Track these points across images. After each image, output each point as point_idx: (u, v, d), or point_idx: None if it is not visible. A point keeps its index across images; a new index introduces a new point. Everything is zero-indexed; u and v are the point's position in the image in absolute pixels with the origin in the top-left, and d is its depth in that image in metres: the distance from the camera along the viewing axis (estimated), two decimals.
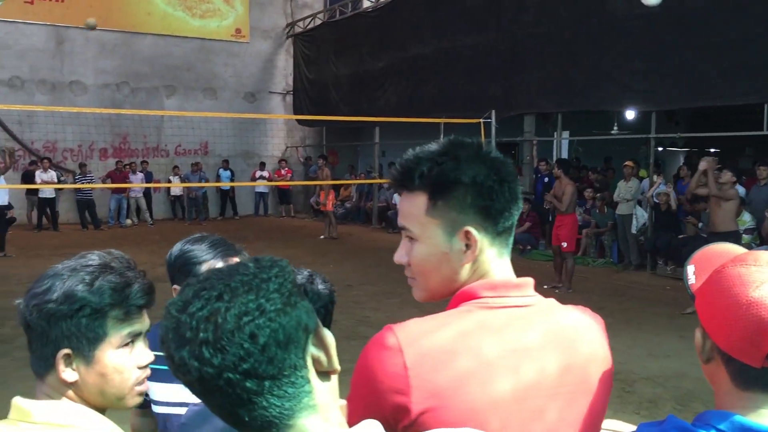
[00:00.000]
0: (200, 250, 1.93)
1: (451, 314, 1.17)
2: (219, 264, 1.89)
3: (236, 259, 1.93)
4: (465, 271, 1.21)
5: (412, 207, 1.23)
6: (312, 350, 0.93)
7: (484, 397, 1.10)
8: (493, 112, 12.96)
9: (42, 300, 1.16)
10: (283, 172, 19.38)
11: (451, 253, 1.20)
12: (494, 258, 1.23)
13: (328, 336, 0.96)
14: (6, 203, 12.68)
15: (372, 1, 17.97)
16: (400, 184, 1.26)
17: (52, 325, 1.15)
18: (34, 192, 16.00)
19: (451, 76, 14.04)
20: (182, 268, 1.90)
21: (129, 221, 17.54)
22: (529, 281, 1.24)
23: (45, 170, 16.12)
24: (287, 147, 21.07)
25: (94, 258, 1.23)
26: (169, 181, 17.95)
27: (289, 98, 20.95)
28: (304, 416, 0.90)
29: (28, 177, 15.86)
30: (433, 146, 1.25)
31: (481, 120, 13.02)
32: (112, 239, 14.68)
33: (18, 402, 1.16)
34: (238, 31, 20.33)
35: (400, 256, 1.26)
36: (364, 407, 1.09)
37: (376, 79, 16.69)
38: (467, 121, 13.28)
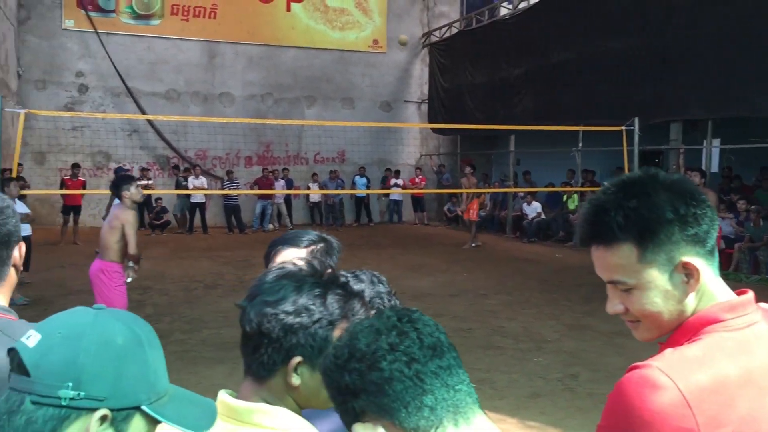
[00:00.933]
0: (282, 240, 2.09)
1: (705, 343, 1.14)
2: (293, 250, 2.00)
3: (307, 249, 2.02)
4: (691, 300, 1.18)
5: (619, 259, 1.18)
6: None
7: (763, 414, 1.10)
8: (636, 119, 12.43)
9: (278, 310, 1.22)
10: (417, 180, 19.57)
11: (674, 289, 1.17)
12: (712, 278, 1.20)
13: None
14: None
15: (509, 9, 17.79)
16: (596, 241, 1.22)
17: (289, 335, 1.22)
18: (187, 197, 17.12)
19: (591, 82, 13.61)
20: (267, 255, 2.08)
21: (271, 226, 18.35)
22: (752, 294, 1.22)
23: (197, 176, 17.23)
24: (421, 155, 21.26)
25: (303, 264, 1.31)
26: (308, 188, 18.64)
27: (424, 107, 21.14)
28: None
29: (179, 185, 17.03)
30: (608, 191, 1.21)
31: (624, 127, 12.53)
32: (256, 242, 15.39)
33: (231, 401, 1.24)
34: (375, 42, 20.79)
35: (614, 307, 1.23)
36: None
37: (512, 87, 16.50)
38: (608, 129, 12.83)
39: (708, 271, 1.19)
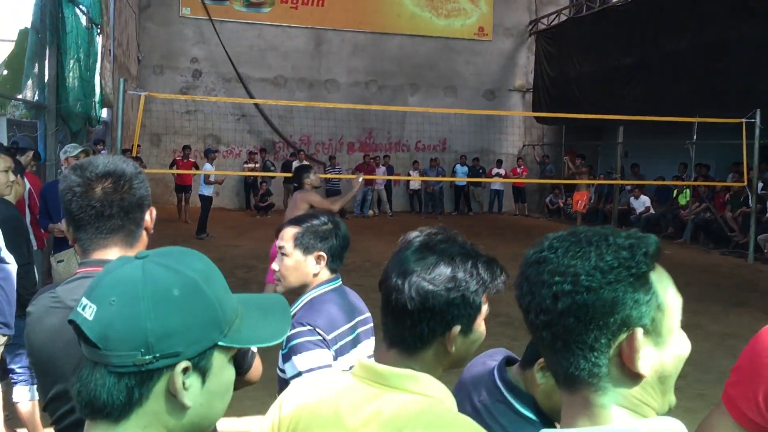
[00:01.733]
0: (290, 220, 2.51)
1: None
2: (291, 228, 2.39)
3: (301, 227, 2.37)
4: None
5: None
6: (622, 340, 0.93)
7: None
8: (758, 111, 11.73)
9: (440, 287, 1.25)
10: (518, 170, 19.26)
11: None
12: None
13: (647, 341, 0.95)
14: (211, 194, 13.71)
15: None
16: None
17: (451, 308, 1.25)
18: (289, 180, 17.53)
19: (709, 72, 12.92)
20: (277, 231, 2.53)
21: (371, 212, 18.55)
22: None
23: (300, 161, 17.61)
24: (524, 145, 20.89)
25: (439, 236, 1.34)
26: (409, 175, 18.70)
27: (529, 96, 20.75)
28: (586, 390, 0.95)
29: (286, 167, 17.46)
30: None
31: (743, 120, 11.86)
32: (356, 227, 15.61)
33: (377, 366, 1.27)
34: (481, 29, 20.55)
35: None
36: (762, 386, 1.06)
37: (622, 76, 15.90)
38: (726, 121, 12.18)
39: None
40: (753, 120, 11.75)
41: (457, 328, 1.26)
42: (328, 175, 17.60)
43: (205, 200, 13.61)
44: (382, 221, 17.49)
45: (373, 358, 1.34)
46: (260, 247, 12.41)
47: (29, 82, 8.83)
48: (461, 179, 18.74)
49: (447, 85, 20.32)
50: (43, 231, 6.14)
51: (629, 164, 17.22)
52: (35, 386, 4.01)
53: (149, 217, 1.69)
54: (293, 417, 1.30)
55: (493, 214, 19.63)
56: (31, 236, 6.06)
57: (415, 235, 1.34)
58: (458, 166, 19.33)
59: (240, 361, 1.81)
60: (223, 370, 1.00)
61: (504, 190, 19.85)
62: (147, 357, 0.90)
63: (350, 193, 6.94)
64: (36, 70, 8.89)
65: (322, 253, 2.33)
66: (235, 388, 1.89)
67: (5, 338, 3.62)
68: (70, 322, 0.94)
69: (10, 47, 8.93)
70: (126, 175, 1.61)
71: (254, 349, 1.81)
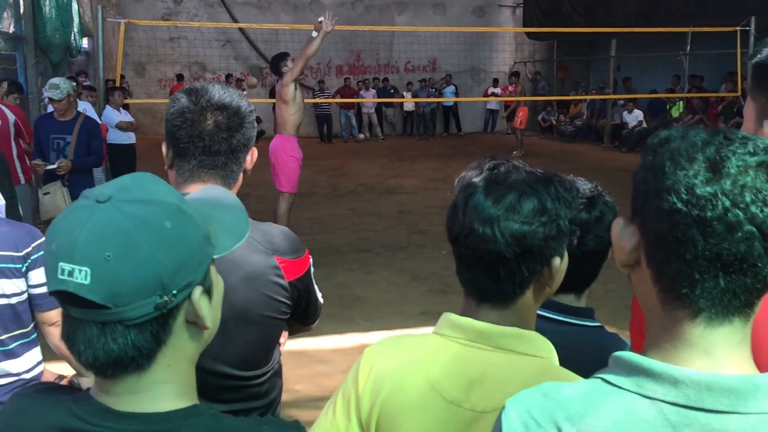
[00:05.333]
0: None
1: None
2: None
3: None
4: None
5: None
6: None
7: None
8: (753, 18, 11.50)
9: (535, 224, 1.13)
10: (510, 88, 19.00)
11: None
12: None
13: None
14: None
15: None
16: None
17: (548, 241, 1.14)
18: None
19: None
20: None
21: (362, 135, 18.41)
22: None
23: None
24: (515, 62, 20.56)
25: (500, 167, 1.20)
26: (403, 97, 18.40)
27: (519, 11, 20.26)
28: None
29: (273, 93, 17.20)
30: None
31: (738, 28, 11.64)
32: (347, 152, 15.55)
33: (482, 325, 1.15)
34: None
35: None
36: None
37: None
38: (721, 30, 11.96)
39: None
40: (747, 28, 11.54)
41: (557, 260, 1.16)
42: (318, 100, 17.38)
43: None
44: (374, 145, 17.38)
45: (454, 315, 1.19)
46: (252, 173, 12.34)
47: (5, 13, 8.56)
48: (448, 99, 18.52)
49: (435, 3, 19.80)
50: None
51: (621, 78, 17.03)
52: None
53: (250, 158, 1.64)
54: (375, 384, 1.17)
55: (486, 134, 19.49)
56: (19, 170, 5.99)
57: (474, 174, 1.19)
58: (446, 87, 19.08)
59: (311, 315, 1.78)
60: (218, 280, 1.01)
61: (499, 110, 19.61)
62: (166, 297, 0.88)
63: (320, 35, 6.83)
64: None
65: None
66: (293, 333, 1.88)
67: None
68: (56, 293, 0.88)
69: None
70: (241, 112, 1.56)
71: (321, 300, 1.80)
